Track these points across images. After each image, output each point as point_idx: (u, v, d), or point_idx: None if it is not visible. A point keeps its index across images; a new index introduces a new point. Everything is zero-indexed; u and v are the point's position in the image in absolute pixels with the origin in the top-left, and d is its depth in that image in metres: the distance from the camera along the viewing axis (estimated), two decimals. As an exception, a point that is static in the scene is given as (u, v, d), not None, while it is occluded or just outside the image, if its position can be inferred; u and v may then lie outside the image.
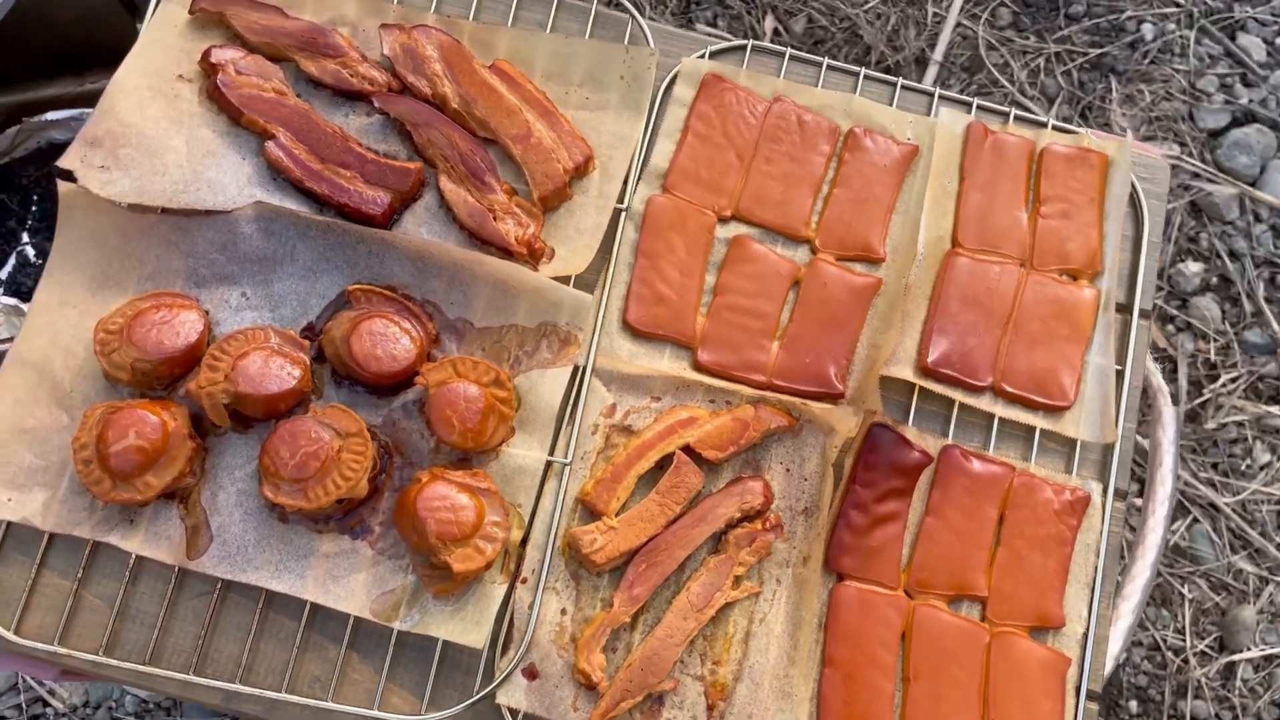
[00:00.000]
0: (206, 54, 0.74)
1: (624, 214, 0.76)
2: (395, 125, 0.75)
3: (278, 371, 0.68)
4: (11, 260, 1.15)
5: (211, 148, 0.73)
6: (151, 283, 0.71)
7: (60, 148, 1.19)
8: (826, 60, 0.81)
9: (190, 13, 0.77)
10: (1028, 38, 1.37)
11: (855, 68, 0.81)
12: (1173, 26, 1.37)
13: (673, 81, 0.80)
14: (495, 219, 0.72)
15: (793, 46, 1.35)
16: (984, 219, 0.76)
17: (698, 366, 0.73)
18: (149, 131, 0.72)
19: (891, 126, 0.79)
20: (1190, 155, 1.34)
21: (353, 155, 0.72)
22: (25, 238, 1.16)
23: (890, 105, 0.81)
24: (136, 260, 0.71)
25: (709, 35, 0.85)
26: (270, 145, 0.72)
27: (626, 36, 0.80)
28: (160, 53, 0.76)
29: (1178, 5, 1.38)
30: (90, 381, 0.70)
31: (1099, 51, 1.36)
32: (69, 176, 0.73)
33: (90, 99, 1.20)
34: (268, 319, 0.72)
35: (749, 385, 0.73)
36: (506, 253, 0.72)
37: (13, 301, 1.09)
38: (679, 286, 0.74)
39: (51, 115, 1.15)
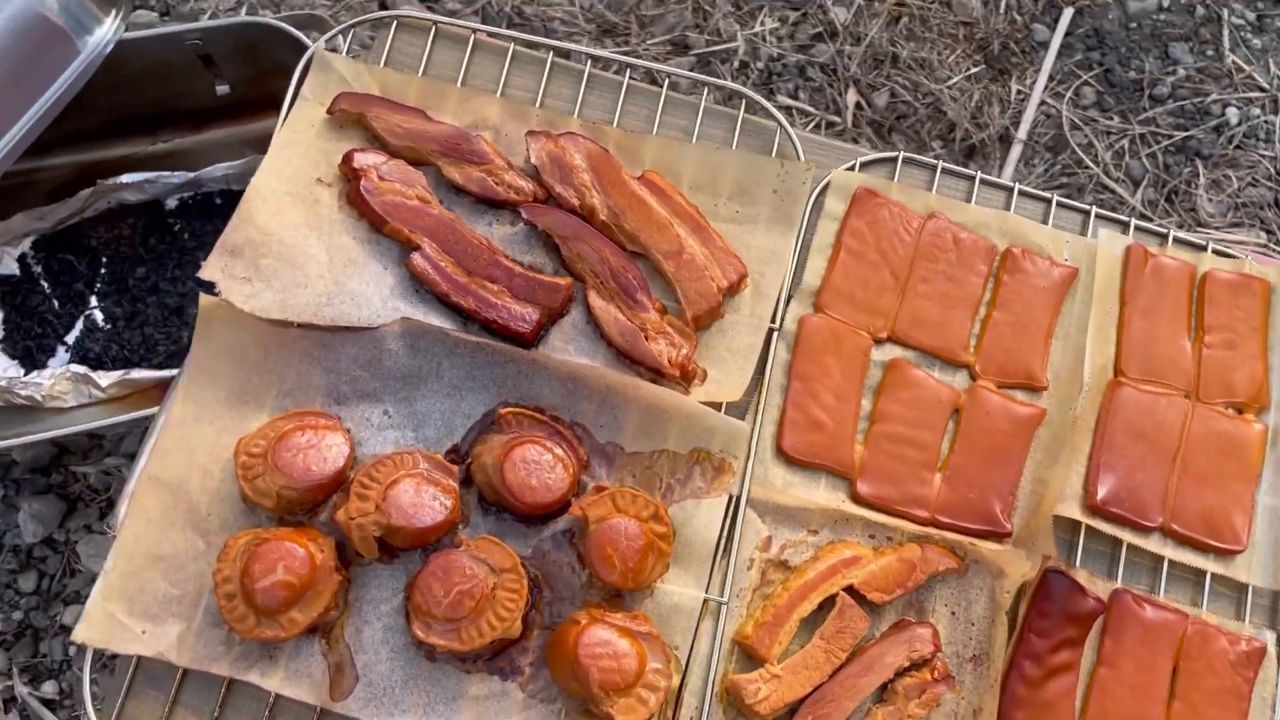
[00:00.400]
0: (348, 158, 0.71)
1: (776, 334, 0.73)
2: (541, 237, 0.72)
3: (430, 502, 0.65)
4: (79, 325, 1.11)
5: (353, 256, 0.70)
6: (291, 399, 0.68)
7: (130, 209, 1.15)
8: (979, 174, 0.78)
9: (329, 113, 0.74)
10: (1111, 118, 1.35)
11: (1009, 183, 0.78)
12: (1257, 111, 1.36)
13: (821, 193, 0.77)
14: (648, 338, 0.69)
15: (875, 121, 1.33)
16: (1148, 347, 0.74)
17: (856, 499, 0.70)
18: (289, 240, 0.69)
19: (1048, 246, 0.77)
20: (1277, 243, 1.32)
21: (500, 269, 0.69)
22: (93, 301, 1.12)
23: (1045, 224, 0.78)
24: (276, 375, 0.68)
25: (856, 146, 0.83)
26: (416, 257, 0.69)
27: (775, 146, 0.77)
28: (297, 154, 0.73)
29: (1262, 90, 1.37)
30: (227, 504, 0.67)
31: (1184, 135, 1.35)
32: (207, 287, 0.70)
33: (162, 159, 1.17)
34: (410, 439, 0.69)
35: (911, 521, 0.70)
36: (657, 373, 0.69)
37: (82, 370, 1.06)
38: (835, 412, 0.71)
39: (126, 178, 1.12)
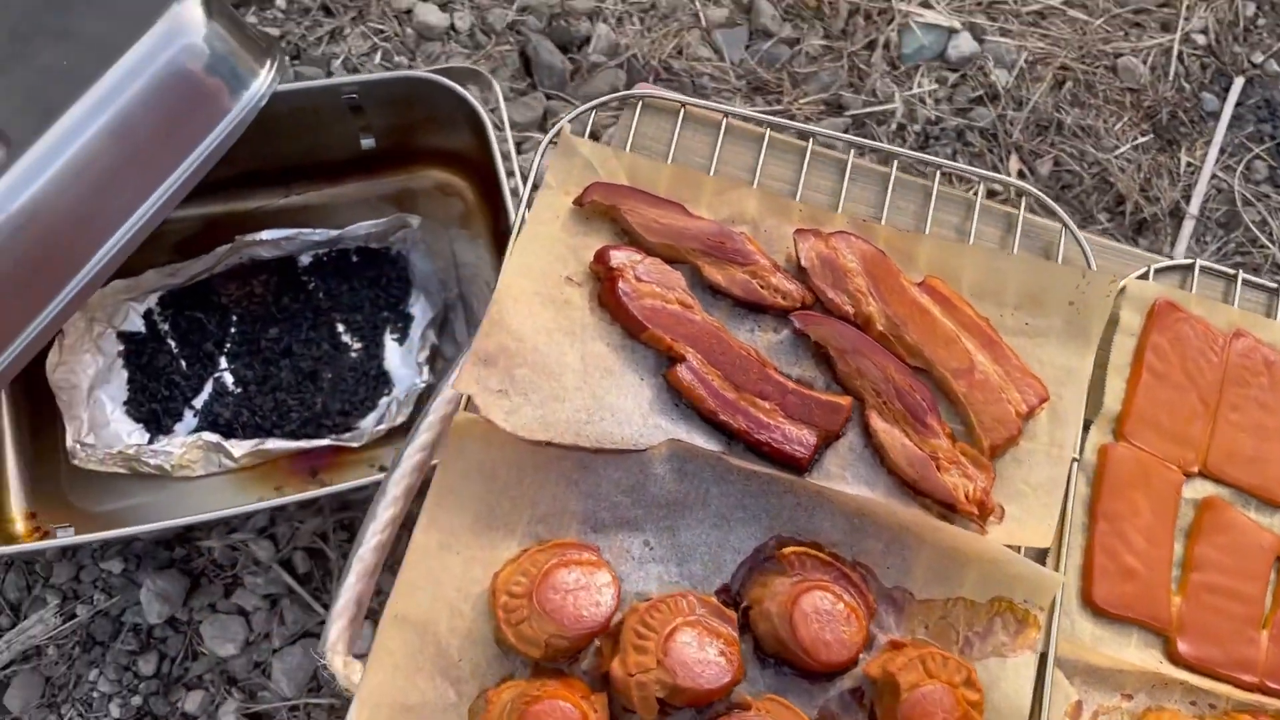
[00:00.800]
0: (603, 256, 0.63)
1: (1075, 466, 0.66)
2: (811, 347, 0.65)
3: (715, 658, 0.57)
4: (208, 388, 1.03)
5: (608, 365, 0.62)
6: (544, 525, 0.60)
7: (262, 265, 1.08)
8: (1280, 287, 0.72)
9: (579, 204, 0.66)
10: (1281, 194, 1.29)
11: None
12: None
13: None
14: (939, 469, 0.62)
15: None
16: None
17: (1175, 659, 0.63)
18: (543, 347, 0.62)
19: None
20: None
21: (771, 384, 0.62)
22: (223, 362, 1.04)
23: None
24: (529, 500, 0.60)
25: (1149, 252, 0.76)
26: (682, 370, 0.61)
27: (1060, 249, 0.70)
28: (543, 249, 0.65)
29: None
30: (479, 648, 0.59)
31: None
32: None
33: (294, 212, 1.09)
34: (674, 574, 0.61)
35: (1236, 686, 0.63)
36: (948, 509, 0.62)
37: (215, 439, 0.98)
38: (1146, 558, 0.64)
39: (267, 234, 1.04)
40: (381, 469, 1.01)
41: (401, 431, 1.02)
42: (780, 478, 0.60)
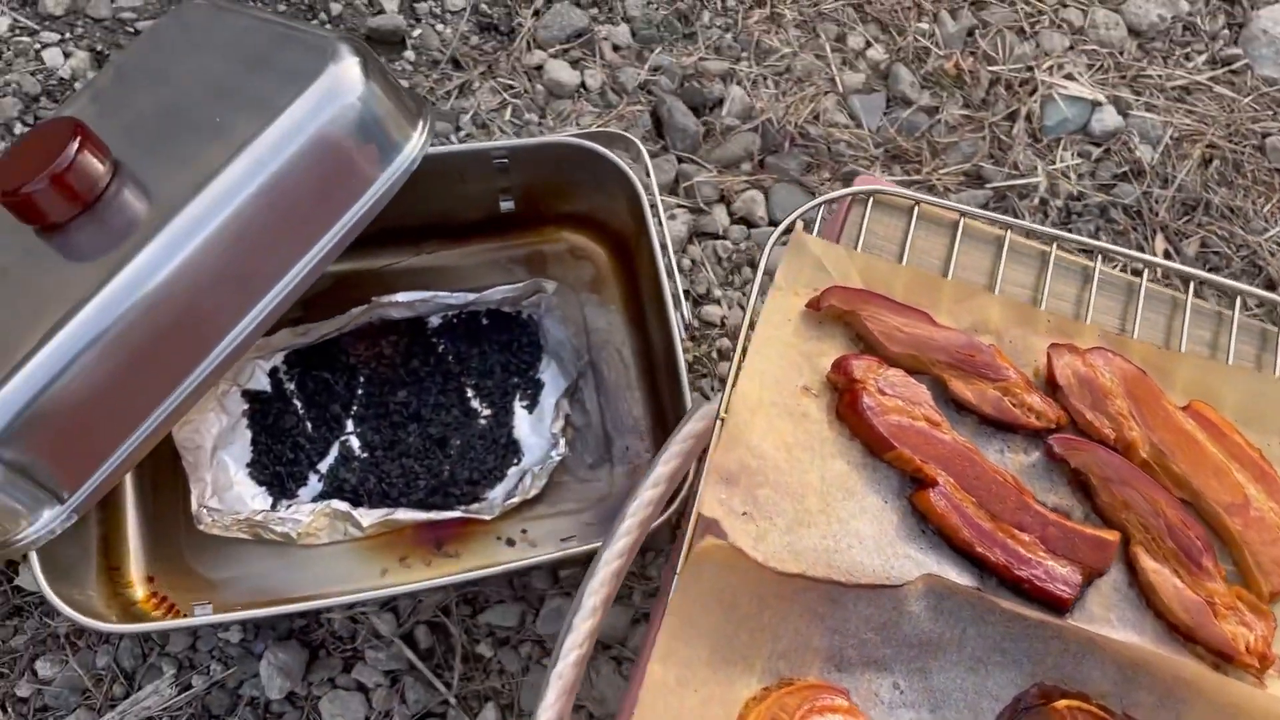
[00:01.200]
0: (845, 366, 0.59)
1: None
2: (1067, 474, 0.61)
3: None
4: (334, 451, 1.00)
5: (849, 486, 0.58)
6: (785, 662, 0.56)
7: (391, 325, 1.04)
8: None
9: (815, 307, 0.62)
10: None
11: None
12: None
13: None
14: (1216, 615, 0.57)
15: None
16: None
17: None
18: (784, 465, 0.58)
19: None
20: None
21: (1030, 514, 0.58)
22: (350, 425, 1.01)
23: None
24: (770, 633, 0.56)
25: None
26: (933, 495, 0.57)
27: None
28: (778, 355, 0.61)
29: None
30: None
31: None
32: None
33: (424, 272, 1.06)
34: None
35: None
36: (1222, 658, 0.57)
37: (344, 507, 0.94)
38: None
39: (401, 296, 1.01)
40: (509, 542, 0.97)
41: (531, 505, 0.98)
42: (1048, 621, 0.56)
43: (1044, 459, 0.61)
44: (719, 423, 0.58)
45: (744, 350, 0.60)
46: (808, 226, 0.65)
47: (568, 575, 0.98)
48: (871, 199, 0.66)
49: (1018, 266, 0.66)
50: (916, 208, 0.66)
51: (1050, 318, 0.64)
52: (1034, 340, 0.63)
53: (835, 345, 0.62)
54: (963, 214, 0.66)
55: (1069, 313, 0.66)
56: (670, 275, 0.90)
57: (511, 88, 1.16)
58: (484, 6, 1.20)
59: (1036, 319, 0.64)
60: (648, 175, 0.95)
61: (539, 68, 1.18)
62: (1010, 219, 0.66)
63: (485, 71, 1.17)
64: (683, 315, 0.88)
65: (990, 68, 1.19)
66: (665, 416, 1.01)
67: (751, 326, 0.61)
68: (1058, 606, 0.57)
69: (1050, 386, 0.62)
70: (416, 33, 1.18)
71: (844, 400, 0.59)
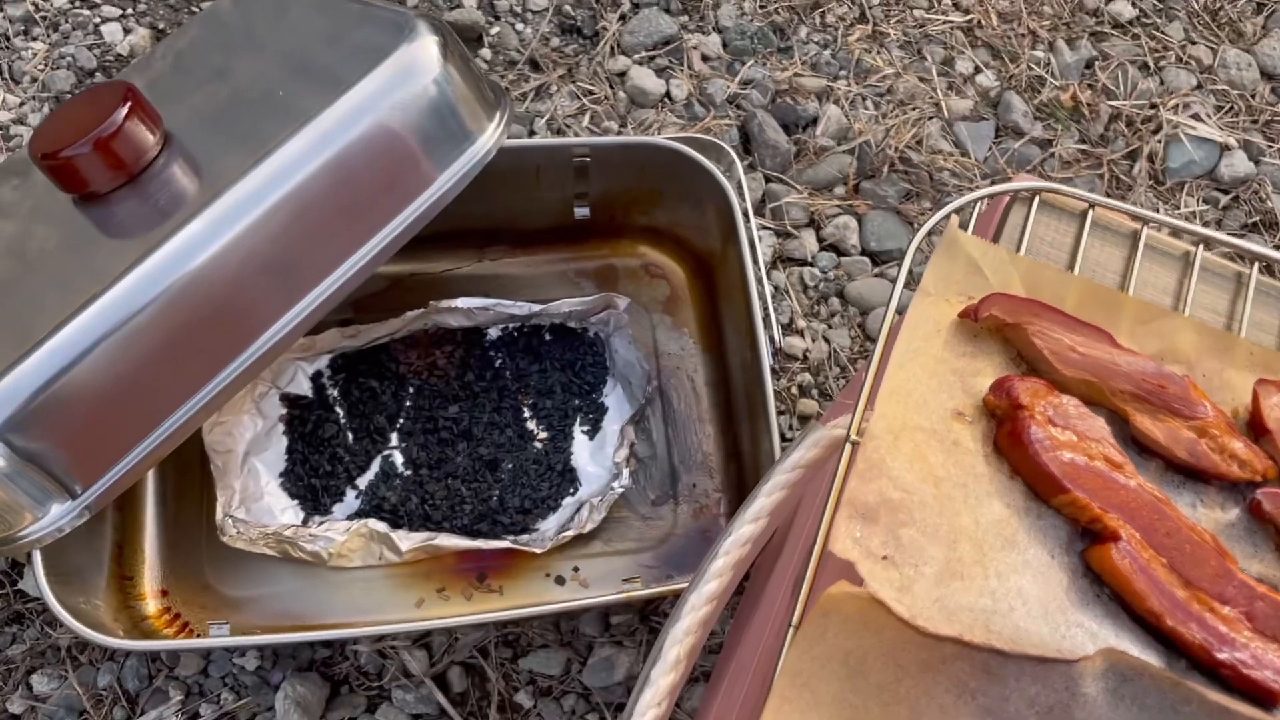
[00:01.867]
0: (1008, 389, 0.50)
1: None
2: (1274, 537, 0.50)
3: None
4: (375, 466, 0.91)
5: (1008, 533, 0.48)
6: None
7: (446, 334, 0.96)
8: None
9: (971, 317, 0.53)
10: None
11: None
12: None
13: None
14: None
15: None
16: None
17: None
18: (931, 502, 0.48)
19: None
20: None
21: (1233, 584, 0.47)
22: (394, 439, 0.92)
23: None
24: (909, 708, 0.46)
25: None
26: (1115, 552, 0.47)
27: None
28: (925, 373, 0.52)
29: None
30: None
31: None
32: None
33: (485, 280, 0.98)
34: None
35: None
36: None
37: (383, 528, 0.85)
38: None
39: (461, 302, 0.93)
40: (559, 580, 0.88)
41: (586, 540, 0.88)
42: (1258, 719, 0.45)
43: (1247, 517, 0.50)
44: (849, 447, 0.48)
45: (880, 364, 0.50)
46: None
47: (620, 622, 0.88)
48: (1037, 198, 0.56)
49: (1207, 288, 0.56)
50: (1091, 211, 0.57)
51: (1253, 349, 0.54)
52: (1233, 375, 0.53)
53: (993, 363, 0.52)
54: (1146, 221, 0.56)
55: (1272, 344, 0.56)
56: (761, 295, 0.81)
57: (591, 93, 1.09)
58: (567, 8, 1.13)
59: (1236, 350, 0.54)
60: (741, 188, 0.86)
61: (622, 74, 1.10)
62: (1204, 230, 0.56)
63: (564, 75, 1.09)
64: (773, 338, 0.79)
65: (1110, 102, 1.10)
66: (740, 454, 0.91)
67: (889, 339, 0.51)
68: (1266, 701, 0.46)
69: (1256, 430, 0.51)
70: (495, 30, 1.11)
71: (1005, 430, 0.49)
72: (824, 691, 0.46)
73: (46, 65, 1.05)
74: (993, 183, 1.05)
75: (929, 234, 0.52)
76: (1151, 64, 1.13)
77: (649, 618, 0.88)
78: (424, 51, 0.74)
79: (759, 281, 0.81)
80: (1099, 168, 1.07)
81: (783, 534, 0.62)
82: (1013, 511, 0.49)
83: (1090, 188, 1.06)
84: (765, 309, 0.80)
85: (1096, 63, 1.13)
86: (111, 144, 0.70)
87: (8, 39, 1.07)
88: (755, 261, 0.82)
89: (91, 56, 1.06)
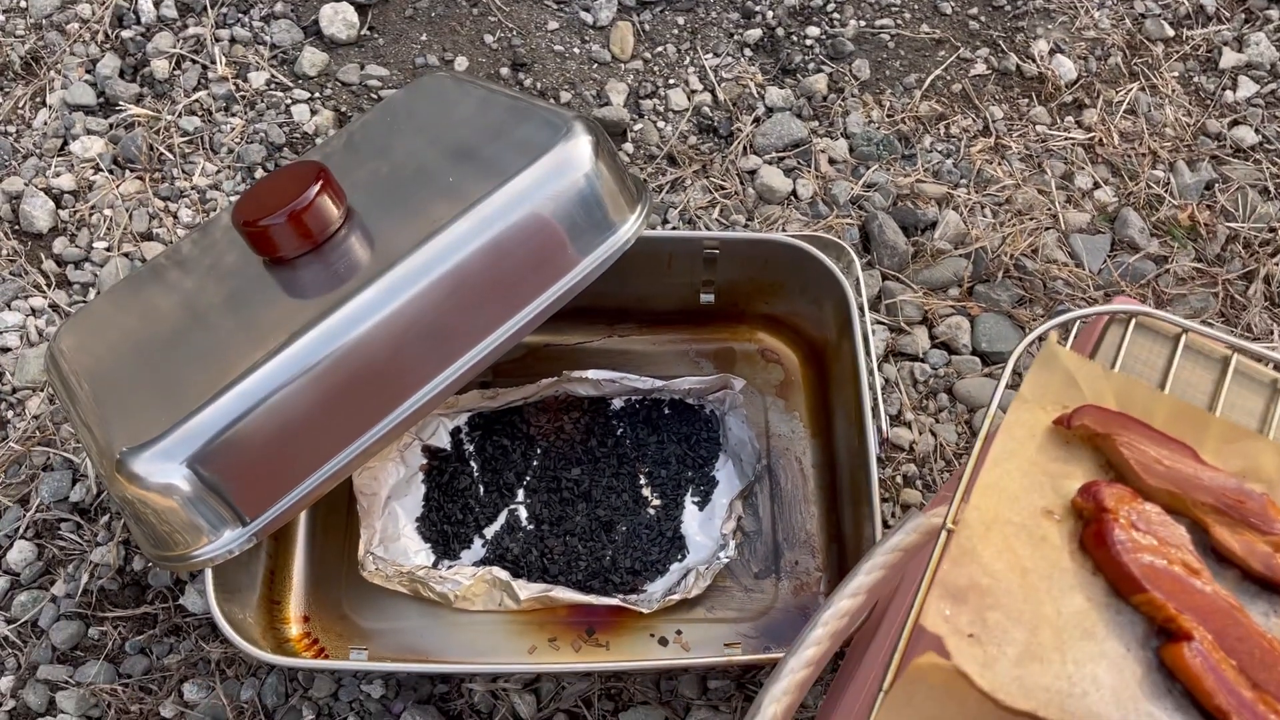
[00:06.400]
0: (1095, 493, 0.55)
1: None
2: None
3: None
4: (501, 519, 0.99)
5: (1087, 625, 0.53)
6: None
7: (575, 402, 1.04)
8: None
9: (1062, 424, 0.58)
10: None
11: None
12: None
13: None
14: None
15: None
16: None
17: None
18: (1017, 590, 0.53)
19: None
20: None
21: None
22: (520, 495, 1.00)
23: None
24: None
25: None
26: (1187, 651, 0.51)
27: None
28: (1019, 471, 0.57)
29: None
30: None
31: None
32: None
33: (613, 355, 1.06)
34: None
35: None
36: None
37: (505, 576, 0.92)
38: None
39: (592, 374, 1.00)
40: (662, 641, 0.93)
41: (690, 605, 0.94)
42: None
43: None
44: (945, 534, 0.54)
45: (977, 459, 0.56)
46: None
47: (718, 687, 0.93)
48: (1134, 320, 0.61)
49: (1285, 408, 0.60)
50: (1184, 336, 0.61)
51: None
52: (1312, 498, 0.56)
53: (1083, 469, 0.57)
54: (1236, 349, 0.61)
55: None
56: (872, 386, 0.86)
57: (723, 188, 1.17)
58: (706, 109, 1.22)
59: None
60: (858, 284, 0.92)
61: (752, 172, 1.18)
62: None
63: (699, 170, 1.18)
64: (880, 428, 0.84)
65: (1228, 224, 1.13)
66: (842, 536, 0.96)
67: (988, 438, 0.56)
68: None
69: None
70: (638, 127, 1.21)
71: (1090, 530, 0.54)
72: (908, 757, 0.50)
73: (242, 139, 1.19)
74: (1105, 295, 1.09)
75: (1030, 345, 0.58)
76: (1272, 189, 1.16)
77: (745, 685, 0.93)
78: (578, 149, 0.83)
79: (870, 373, 0.87)
80: (1214, 286, 1.10)
81: (879, 613, 0.67)
82: (1093, 605, 0.53)
83: (1204, 305, 1.09)
84: (875, 400, 0.85)
85: (1216, 185, 1.16)
86: (303, 216, 0.81)
87: (210, 114, 1.21)
88: (868, 353, 0.87)
89: (281, 133, 1.19)
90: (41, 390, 1.03)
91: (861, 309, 0.89)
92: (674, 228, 1.14)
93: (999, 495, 0.55)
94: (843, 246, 0.94)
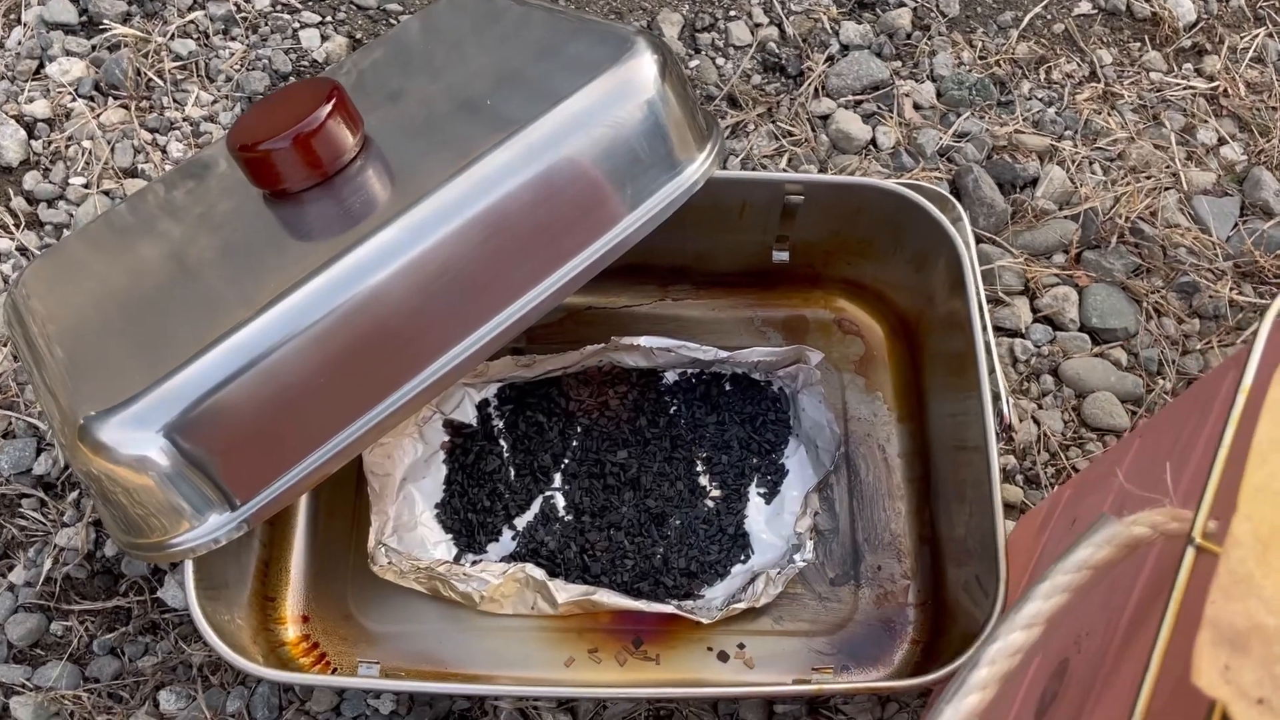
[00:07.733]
0: None
1: None
2: None
3: None
4: (535, 507, 0.84)
5: None
6: None
7: (622, 373, 0.89)
8: None
9: None
10: None
11: None
12: None
13: None
14: None
15: None
16: None
17: None
18: None
19: None
20: None
21: None
22: (558, 480, 0.85)
23: None
24: None
25: None
26: None
27: None
28: None
29: None
30: None
31: None
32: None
33: (665, 320, 0.91)
34: None
35: None
36: None
37: (541, 575, 0.78)
38: None
39: (644, 340, 0.86)
40: (721, 657, 0.79)
41: (754, 615, 0.80)
42: None
43: None
44: (1192, 551, 0.39)
45: (1231, 452, 0.41)
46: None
47: (785, 712, 0.79)
48: None
49: None
50: None
51: None
52: None
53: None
54: None
55: None
56: (990, 364, 0.72)
57: (791, 134, 1.02)
58: (772, 45, 1.07)
59: None
60: (968, 243, 0.77)
61: (825, 117, 1.03)
62: None
63: (764, 114, 1.03)
64: (1002, 412, 0.70)
65: (1377, 186, 0.97)
66: (936, 538, 0.81)
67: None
68: None
69: None
70: (694, 63, 1.06)
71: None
72: None
73: (242, 66, 1.04)
74: (1236, 266, 0.94)
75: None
76: None
77: (819, 710, 0.79)
78: (642, 70, 0.68)
79: (988, 347, 0.72)
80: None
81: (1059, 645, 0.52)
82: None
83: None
84: (994, 378, 0.71)
85: (1362, 142, 1.01)
86: (312, 141, 0.66)
87: (207, 37, 1.06)
88: (984, 327, 0.73)
89: (287, 60, 1.04)
90: (4, 345, 0.89)
91: (975, 272, 0.74)
92: (749, 172, 0.98)
93: (1275, 500, 0.40)
94: (949, 199, 0.79)
